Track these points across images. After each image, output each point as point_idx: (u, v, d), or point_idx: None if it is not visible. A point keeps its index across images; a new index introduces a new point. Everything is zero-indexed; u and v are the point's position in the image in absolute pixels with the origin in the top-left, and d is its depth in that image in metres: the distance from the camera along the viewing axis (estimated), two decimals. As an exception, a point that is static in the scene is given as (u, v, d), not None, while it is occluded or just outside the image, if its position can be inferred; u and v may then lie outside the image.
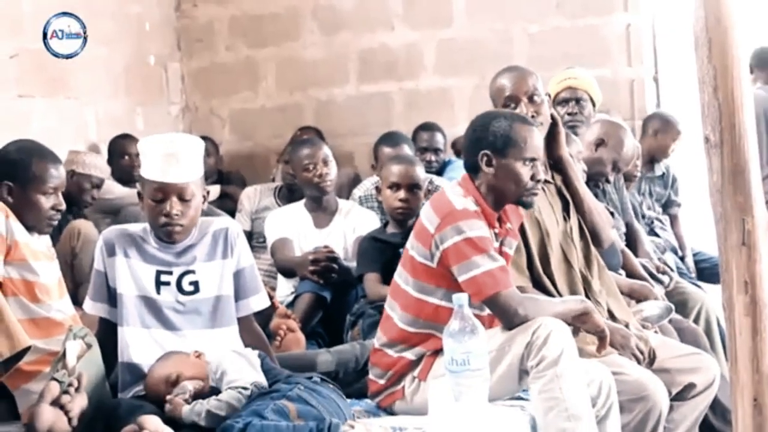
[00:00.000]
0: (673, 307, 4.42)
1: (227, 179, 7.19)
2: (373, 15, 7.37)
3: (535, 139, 3.64)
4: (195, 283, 3.72)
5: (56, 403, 3.16)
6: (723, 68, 2.79)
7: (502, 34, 6.99)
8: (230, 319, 3.78)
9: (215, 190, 6.44)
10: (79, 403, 3.21)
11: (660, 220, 6.18)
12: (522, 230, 3.89)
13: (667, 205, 6.36)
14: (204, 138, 6.98)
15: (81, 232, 5.17)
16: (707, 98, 2.82)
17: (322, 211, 5.30)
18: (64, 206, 4.06)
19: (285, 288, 5.22)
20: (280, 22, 7.60)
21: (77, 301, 4.25)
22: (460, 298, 3.23)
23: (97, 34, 6.91)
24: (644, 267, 4.97)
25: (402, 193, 4.75)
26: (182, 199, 3.62)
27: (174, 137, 3.69)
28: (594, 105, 5.48)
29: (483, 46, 7.01)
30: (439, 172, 6.19)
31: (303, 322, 4.75)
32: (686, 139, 6.19)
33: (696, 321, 4.97)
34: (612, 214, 4.74)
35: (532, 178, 3.61)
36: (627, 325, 3.94)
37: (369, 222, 5.19)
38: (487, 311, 3.57)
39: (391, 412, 3.69)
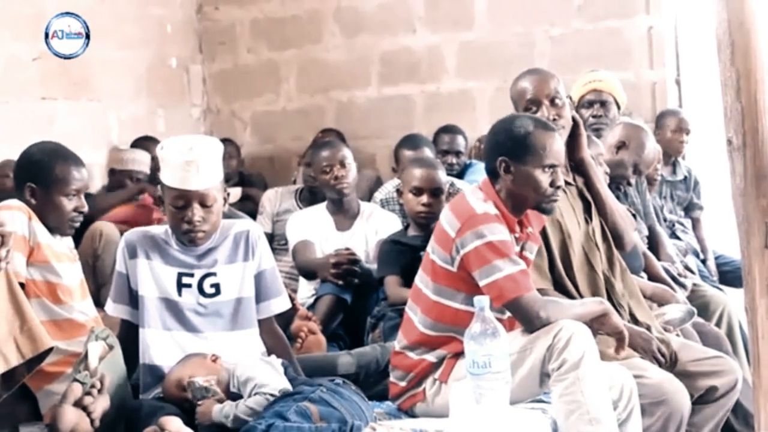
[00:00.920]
0: (695, 310, 4.40)
1: (248, 181, 7.19)
2: (394, 17, 7.37)
3: (555, 145, 3.61)
4: (216, 286, 3.73)
5: (79, 404, 3.18)
6: (746, 71, 2.78)
7: (524, 37, 6.98)
8: (251, 321, 3.78)
9: (236, 193, 6.45)
10: (101, 404, 3.23)
11: (681, 224, 6.16)
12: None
13: (689, 209, 6.34)
14: (225, 140, 7.05)
15: (103, 233, 5.20)
16: (730, 101, 2.82)
17: (343, 213, 5.30)
18: (86, 208, 4.06)
19: (306, 290, 5.22)
20: (301, 24, 7.62)
21: (99, 303, 4.27)
22: (481, 301, 3.23)
23: (120, 36, 6.98)
24: (666, 270, 4.95)
25: (425, 198, 4.74)
26: (204, 205, 3.63)
27: (193, 143, 3.65)
28: (619, 107, 5.47)
29: (504, 48, 7.00)
30: (460, 175, 6.18)
31: (324, 324, 4.76)
32: (708, 141, 6.16)
33: (718, 324, 4.95)
34: (634, 216, 4.72)
35: (552, 184, 3.59)
36: (649, 328, 3.93)
37: (390, 225, 5.18)
38: (507, 314, 3.56)
39: (412, 415, 3.68)
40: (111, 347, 3.44)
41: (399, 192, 5.00)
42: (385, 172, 7.02)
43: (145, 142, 6.57)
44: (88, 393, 3.20)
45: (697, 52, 6.70)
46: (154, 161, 6.25)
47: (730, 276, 5.97)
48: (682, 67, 6.89)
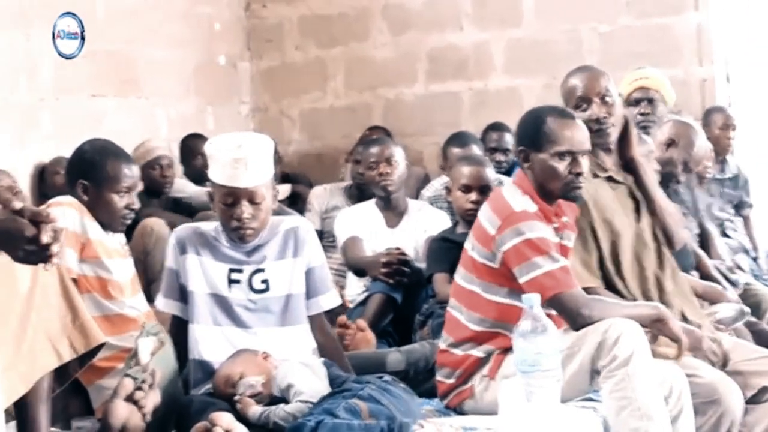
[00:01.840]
0: (747, 309, 4.36)
1: (293, 180, 7.19)
2: (442, 14, 7.38)
3: (570, 131, 3.61)
4: (266, 282, 3.73)
5: (130, 399, 3.20)
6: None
7: (572, 34, 6.98)
8: (300, 317, 3.78)
9: (285, 190, 6.46)
10: (152, 399, 3.25)
11: (731, 221, 6.12)
12: (593, 231, 3.88)
13: (739, 207, 6.30)
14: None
15: (153, 230, 5.21)
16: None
17: (391, 210, 5.30)
18: (137, 205, 4.10)
19: (356, 287, 5.22)
20: (349, 21, 7.65)
21: (149, 299, 4.29)
22: (531, 299, 3.20)
23: (168, 35, 7.03)
24: (717, 269, 4.94)
25: (473, 195, 4.73)
26: (253, 202, 3.63)
27: (242, 140, 3.66)
28: (666, 105, 5.44)
29: (552, 45, 7.00)
30: (508, 173, 6.14)
31: (374, 322, 4.76)
32: (759, 138, 6.11)
33: (771, 323, 4.90)
34: (684, 215, 4.69)
35: (571, 171, 3.58)
36: (700, 327, 3.89)
37: (439, 222, 5.18)
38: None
39: (460, 412, 3.67)
40: (162, 343, 3.47)
41: (447, 190, 4.99)
42: (432, 169, 7.00)
43: (195, 140, 6.58)
44: (140, 388, 3.22)
45: (747, 48, 6.66)
46: (203, 158, 6.30)
47: (782, 274, 5.93)
48: (731, 64, 6.83)
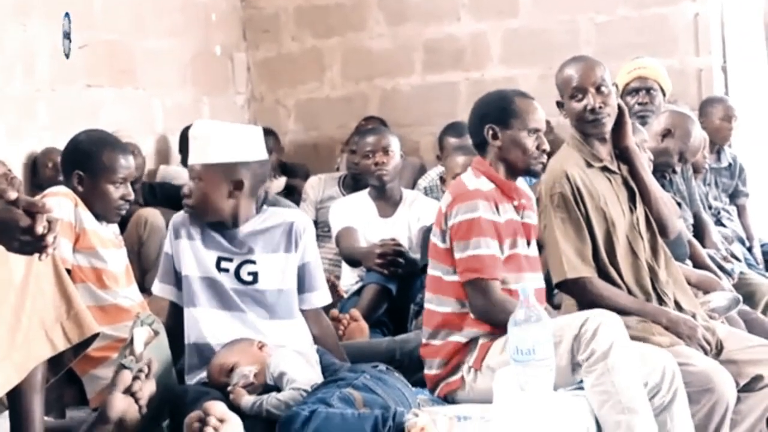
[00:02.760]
0: (740, 297, 4.38)
1: (291, 171, 7.18)
2: (439, 5, 7.35)
3: (537, 112, 3.78)
4: (254, 274, 3.72)
5: (128, 391, 3.19)
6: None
7: (569, 24, 6.95)
8: (290, 312, 3.78)
9: (280, 183, 6.45)
10: (148, 389, 3.24)
11: (727, 211, 6.11)
12: (587, 221, 3.89)
13: (734, 196, 6.30)
14: (266, 132, 7.07)
15: (148, 220, 5.22)
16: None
17: (386, 200, 5.29)
18: (132, 196, 4.09)
19: (350, 277, 5.21)
20: (345, 11, 7.61)
21: (144, 289, 4.29)
22: (526, 289, 3.23)
23: (164, 25, 7.01)
24: (712, 258, 4.93)
25: (467, 185, 4.72)
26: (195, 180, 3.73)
27: (210, 122, 3.75)
28: (664, 95, 5.44)
29: (549, 36, 6.97)
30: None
31: (368, 312, 4.75)
32: (755, 128, 6.11)
33: (764, 312, 4.91)
34: (679, 204, 4.69)
35: (538, 147, 3.73)
36: (694, 316, 3.91)
37: (433, 212, 5.06)
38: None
39: (452, 402, 3.68)
40: (156, 333, 3.45)
41: (442, 179, 4.98)
42: (428, 159, 6.97)
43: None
44: (137, 377, 3.21)
45: (744, 38, 6.64)
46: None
47: (776, 263, 5.94)
48: (728, 54, 6.81)
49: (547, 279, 3.92)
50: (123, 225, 5.00)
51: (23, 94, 6.01)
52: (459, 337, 3.66)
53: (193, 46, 7.39)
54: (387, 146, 5.28)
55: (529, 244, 3.77)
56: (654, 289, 3.95)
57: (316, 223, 5.73)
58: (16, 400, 3.03)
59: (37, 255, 2.70)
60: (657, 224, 4.07)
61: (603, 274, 3.90)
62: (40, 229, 2.63)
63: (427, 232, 4.78)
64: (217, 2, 7.62)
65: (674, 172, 5.00)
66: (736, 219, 6.17)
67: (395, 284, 4.91)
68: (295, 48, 7.80)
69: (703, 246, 5.07)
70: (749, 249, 6.00)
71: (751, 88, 6.64)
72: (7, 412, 3.08)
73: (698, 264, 4.80)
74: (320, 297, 3.90)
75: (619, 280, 3.92)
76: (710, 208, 5.89)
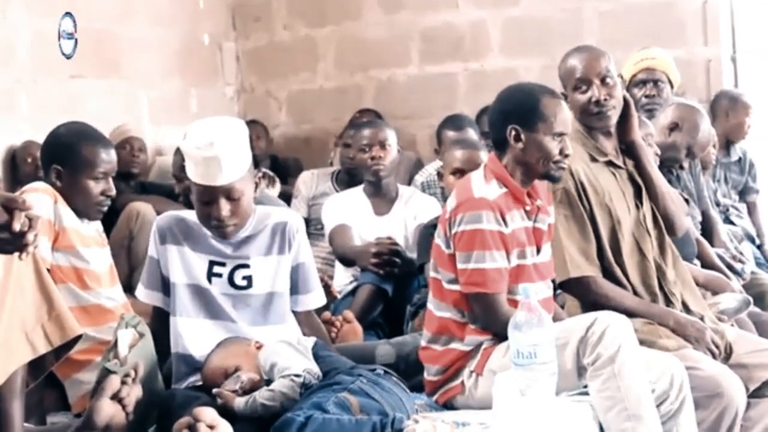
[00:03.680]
0: (751, 299, 4.32)
1: (283, 166, 7.18)
2: (436, -8, 7.32)
3: (564, 113, 3.62)
4: (248, 278, 3.64)
5: (115, 397, 3.13)
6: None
7: (572, 13, 6.91)
8: (282, 317, 3.70)
9: (277, 190, 6.40)
10: (135, 394, 3.18)
11: (736, 208, 6.12)
12: (592, 217, 3.83)
13: (744, 192, 6.28)
14: (253, 122, 7.01)
15: (140, 214, 5.21)
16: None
17: (381, 197, 5.23)
18: (114, 192, 4.03)
19: (343, 277, 5.16)
20: (340, -1, 7.58)
21: (132, 286, 4.25)
22: (527, 290, 3.18)
23: (150, 13, 6.98)
24: (720, 257, 4.89)
25: (465, 180, 4.64)
26: (231, 199, 3.53)
27: (214, 135, 3.49)
28: (672, 86, 5.40)
29: (552, 24, 6.92)
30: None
31: (362, 314, 4.69)
32: (765, 121, 6.06)
33: (775, 314, 4.88)
34: (687, 201, 4.61)
35: (561, 152, 3.59)
36: (702, 318, 3.86)
37: (430, 209, 5.11)
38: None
39: (451, 408, 3.63)
40: (141, 335, 3.39)
41: (440, 175, 4.91)
42: (425, 153, 6.98)
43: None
44: (123, 382, 3.15)
45: (754, 27, 6.60)
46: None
47: (788, 263, 5.92)
48: (738, 44, 6.77)
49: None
50: (115, 218, 4.94)
51: (2, 84, 5.96)
52: (462, 346, 3.60)
53: (180, 35, 7.35)
54: (384, 140, 5.21)
55: (539, 251, 3.68)
56: (661, 289, 3.90)
57: (308, 220, 5.71)
58: (-5, 404, 2.98)
59: (17, 254, 2.65)
60: (664, 221, 4.02)
61: (608, 274, 3.85)
62: (17, 226, 2.59)
63: (424, 230, 4.79)
64: (205, -12, 7.56)
65: (681, 167, 4.98)
66: (746, 216, 6.17)
67: (391, 285, 4.85)
68: (287, 37, 7.77)
69: (712, 245, 5.03)
70: (759, 247, 6.01)
71: (762, 79, 6.57)
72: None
73: (707, 263, 4.76)
74: (314, 299, 3.83)
75: (624, 280, 3.86)
76: (718, 205, 5.88)
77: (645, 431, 3.25)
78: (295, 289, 3.73)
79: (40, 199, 3.77)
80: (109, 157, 3.97)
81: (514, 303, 3.48)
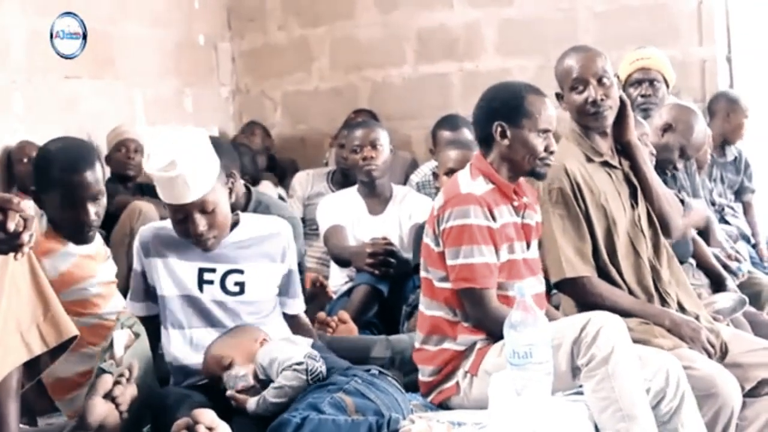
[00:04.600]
0: (746, 299, 4.34)
1: (280, 167, 7.18)
2: (431, -8, 7.31)
3: (549, 111, 3.64)
4: (241, 284, 3.61)
5: (108, 395, 3.12)
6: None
7: (567, 13, 6.89)
8: (273, 320, 3.69)
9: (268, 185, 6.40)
10: (129, 394, 3.17)
11: (731, 207, 6.10)
12: (587, 218, 3.84)
13: (740, 192, 6.26)
14: (253, 123, 7.00)
15: (142, 212, 5.19)
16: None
17: (376, 197, 5.21)
18: (101, 215, 3.86)
19: (339, 278, 5.13)
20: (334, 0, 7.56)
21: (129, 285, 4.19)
22: (522, 289, 3.16)
23: (146, 13, 6.97)
24: (716, 257, 4.88)
25: (460, 180, 4.64)
26: (205, 212, 3.48)
27: (174, 153, 3.40)
28: (668, 86, 5.39)
29: (547, 25, 6.90)
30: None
31: (358, 314, 4.70)
32: (761, 122, 6.05)
33: (771, 313, 4.87)
34: (682, 202, 4.60)
35: (546, 149, 3.62)
36: (698, 318, 3.85)
37: (425, 209, 5.02)
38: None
39: (446, 408, 3.63)
40: (137, 335, 3.38)
41: (435, 175, 4.90)
42: (420, 154, 6.96)
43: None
44: (117, 382, 3.14)
45: (750, 27, 6.58)
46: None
47: (783, 262, 5.92)
48: (733, 44, 6.74)
49: (546, 278, 3.86)
50: (110, 220, 4.93)
51: (-2, 84, 5.96)
52: (454, 345, 3.61)
53: (175, 35, 7.33)
54: (375, 140, 5.18)
55: (528, 246, 3.69)
56: (656, 289, 3.91)
57: (303, 220, 5.71)
58: (-10, 406, 2.97)
59: (12, 254, 2.65)
60: (659, 222, 4.02)
61: (603, 274, 3.85)
62: (12, 226, 2.59)
63: (419, 229, 4.75)
64: (200, -11, 7.55)
65: (675, 168, 4.94)
66: (741, 216, 6.15)
67: (386, 285, 4.84)
68: (281, 37, 7.75)
69: (708, 244, 5.01)
70: (755, 247, 5.99)
71: (757, 79, 6.56)
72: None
73: (702, 263, 4.78)
74: (300, 304, 3.84)
75: (619, 280, 3.87)
76: (714, 204, 5.87)
77: (639, 431, 3.24)
78: (284, 293, 3.73)
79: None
80: (95, 178, 3.78)
81: (506, 299, 3.51)
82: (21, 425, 3.22)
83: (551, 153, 3.63)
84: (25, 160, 5.65)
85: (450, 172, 4.67)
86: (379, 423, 3.04)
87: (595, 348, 3.27)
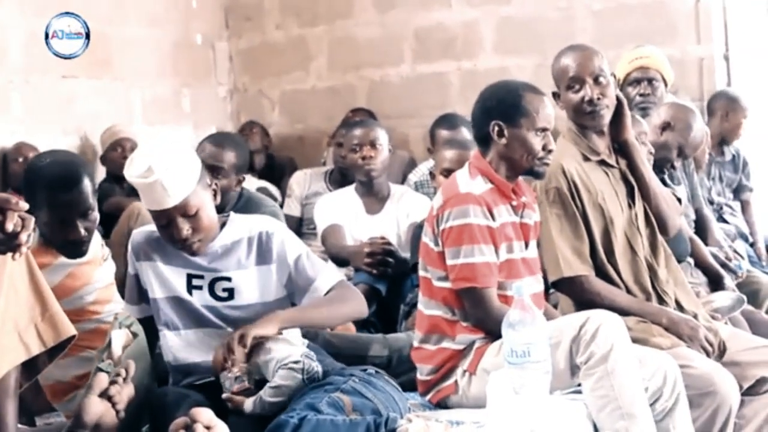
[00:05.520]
0: (744, 297, 4.33)
1: (279, 166, 7.17)
2: (429, -9, 7.30)
3: (547, 109, 3.64)
4: (230, 290, 3.56)
5: (104, 394, 3.11)
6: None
7: (565, 11, 6.86)
8: None
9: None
10: (126, 394, 3.16)
11: (730, 206, 6.09)
12: (584, 217, 3.84)
13: (738, 190, 6.25)
14: (251, 122, 6.99)
15: (140, 213, 5.16)
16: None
17: (373, 196, 5.21)
18: (92, 230, 3.86)
19: (337, 276, 5.11)
20: (332, -2, 7.57)
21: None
22: (521, 288, 3.15)
23: (143, 13, 6.96)
24: (715, 256, 4.88)
25: (456, 180, 4.64)
26: (187, 216, 3.45)
27: (151, 159, 3.39)
28: (666, 85, 5.39)
29: (545, 23, 6.88)
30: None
31: None
32: (759, 120, 6.04)
33: (769, 312, 4.87)
34: (680, 200, 4.61)
35: (544, 148, 3.61)
36: (695, 316, 3.85)
37: (422, 208, 5.03)
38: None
39: (444, 407, 3.63)
40: (135, 335, 3.40)
41: (432, 174, 4.90)
42: (418, 153, 6.94)
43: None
44: (114, 382, 3.13)
45: (747, 25, 6.56)
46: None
47: (781, 261, 5.92)
48: (731, 42, 6.70)
49: (544, 277, 3.85)
50: (106, 220, 4.93)
51: (-5, 84, 5.96)
52: (453, 344, 3.60)
53: (172, 35, 7.32)
54: (374, 139, 5.19)
55: (527, 245, 3.69)
56: (654, 288, 3.91)
57: (301, 219, 5.74)
58: (-12, 406, 2.96)
59: (10, 254, 2.65)
60: (656, 221, 4.02)
61: (601, 273, 3.85)
62: (10, 226, 2.59)
63: (417, 228, 4.75)
64: (197, -12, 7.55)
65: (673, 167, 4.94)
66: (740, 215, 6.14)
67: (384, 284, 4.83)
68: (279, 36, 7.73)
69: (706, 243, 5.03)
70: (752, 245, 5.98)
71: (755, 78, 6.55)
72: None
73: (700, 262, 4.78)
74: (326, 279, 3.61)
75: (617, 279, 3.87)
76: (712, 203, 5.86)
77: (638, 430, 3.25)
78: (302, 285, 3.57)
79: None
80: (83, 195, 3.76)
81: (505, 299, 3.51)
82: (19, 425, 3.21)
83: (549, 152, 3.62)
84: (21, 159, 5.65)
85: (446, 171, 4.66)
86: (377, 422, 3.04)
87: (594, 346, 3.26)
